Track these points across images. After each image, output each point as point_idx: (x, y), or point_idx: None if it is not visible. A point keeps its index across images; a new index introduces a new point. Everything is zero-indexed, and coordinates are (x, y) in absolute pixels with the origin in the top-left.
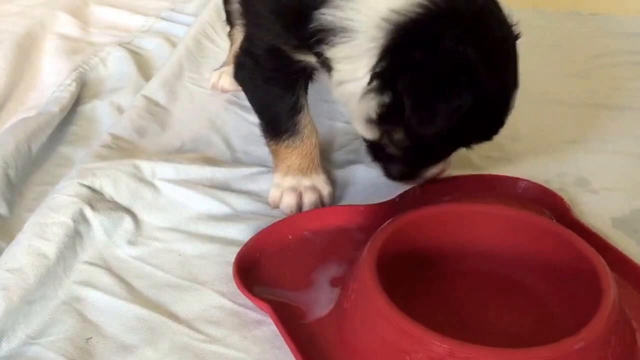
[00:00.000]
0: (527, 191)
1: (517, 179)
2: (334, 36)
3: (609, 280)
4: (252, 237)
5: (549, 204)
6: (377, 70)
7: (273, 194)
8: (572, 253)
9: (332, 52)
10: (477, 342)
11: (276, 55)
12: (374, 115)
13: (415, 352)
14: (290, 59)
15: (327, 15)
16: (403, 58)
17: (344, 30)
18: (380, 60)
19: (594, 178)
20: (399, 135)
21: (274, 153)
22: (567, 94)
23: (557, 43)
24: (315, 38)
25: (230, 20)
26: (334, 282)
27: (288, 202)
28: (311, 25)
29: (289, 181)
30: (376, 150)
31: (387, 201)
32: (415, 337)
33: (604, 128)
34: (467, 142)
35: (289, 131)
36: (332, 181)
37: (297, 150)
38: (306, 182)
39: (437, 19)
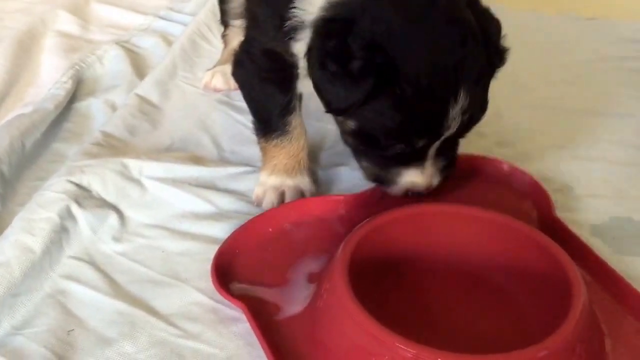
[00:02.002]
0: (514, 178)
1: (505, 164)
2: (297, 32)
3: (580, 288)
4: (232, 233)
5: (533, 197)
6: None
7: (257, 192)
8: (546, 257)
9: (296, 48)
10: (446, 343)
11: (272, 57)
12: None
13: (382, 355)
14: (284, 61)
15: (295, 11)
16: (319, 39)
17: (302, 25)
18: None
19: (578, 185)
20: (338, 118)
21: (263, 150)
22: (557, 99)
23: (550, 47)
24: (288, 37)
25: (224, 20)
26: (311, 278)
27: (270, 200)
28: (286, 24)
29: (273, 180)
30: (351, 148)
31: (367, 190)
32: (381, 341)
33: (592, 134)
34: (409, 139)
35: (278, 130)
36: (316, 182)
37: (285, 150)
38: (290, 182)
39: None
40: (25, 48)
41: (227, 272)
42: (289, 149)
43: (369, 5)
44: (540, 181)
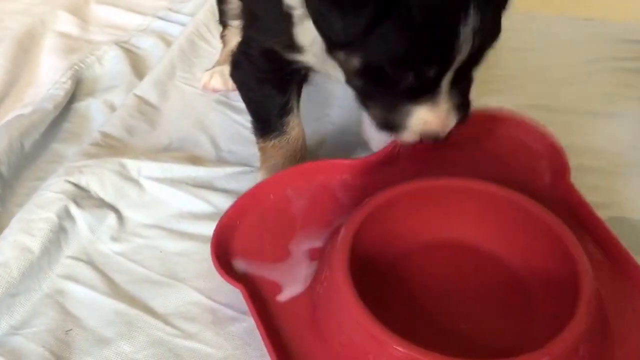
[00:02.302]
0: (531, 137)
1: (524, 120)
2: (293, 14)
3: (588, 289)
4: (233, 204)
5: (549, 159)
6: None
7: None
8: (558, 247)
9: (300, 32)
10: (447, 344)
11: (270, 57)
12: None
13: (379, 354)
14: (283, 60)
15: None
16: None
17: (293, 5)
18: None
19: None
20: (341, 57)
21: (261, 151)
22: (552, 99)
23: (546, 47)
24: (291, 22)
25: (223, 20)
26: (312, 255)
27: None
28: (284, 6)
29: None
30: (358, 94)
31: (371, 156)
32: (378, 340)
33: (587, 134)
34: (419, 66)
35: (276, 131)
36: None
37: (283, 151)
38: None
39: None
40: (25, 48)
41: (227, 247)
42: (286, 149)
43: None
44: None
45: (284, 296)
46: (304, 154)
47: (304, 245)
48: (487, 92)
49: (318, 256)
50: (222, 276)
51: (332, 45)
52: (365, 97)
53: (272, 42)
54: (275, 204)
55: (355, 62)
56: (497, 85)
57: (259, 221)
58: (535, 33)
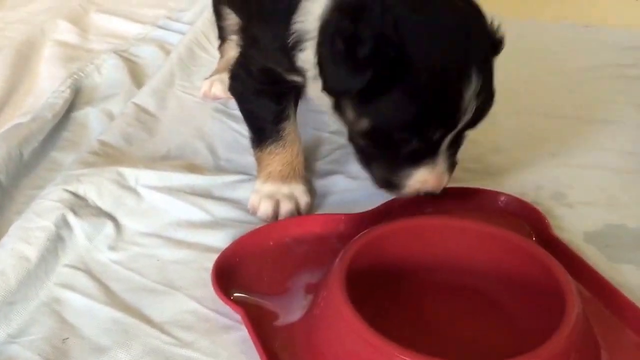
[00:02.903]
0: (509, 205)
1: (499, 193)
2: (301, 43)
3: (573, 299)
4: (235, 241)
5: (529, 219)
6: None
7: (252, 200)
8: (541, 269)
9: (302, 59)
10: (443, 354)
11: (269, 74)
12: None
13: None
14: (282, 78)
15: (296, 25)
16: (336, 15)
17: (305, 34)
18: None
19: (571, 192)
20: (351, 116)
21: (258, 160)
22: (552, 106)
23: (546, 54)
24: (293, 51)
25: (222, 36)
26: (308, 289)
27: (265, 209)
28: (289, 40)
29: (268, 187)
30: (359, 153)
31: (368, 211)
32: (377, 348)
33: (586, 141)
34: (425, 130)
35: (272, 137)
36: (312, 191)
37: (279, 157)
38: (285, 189)
39: None
40: (25, 57)
41: (227, 277)
42: (283, 155)
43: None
44: (530, 194)
45: (280, 322)
46: (300, 161)
47: (300, 281)
48: None
49: (314, 289)
50: (222, 300)
51: (326, 89)
52: (367, 157)
53: (272, 64)
54: (275, 249)
55: (365, 123)
56: (497, 93)
57: (259, 261)
58: (536, 40)
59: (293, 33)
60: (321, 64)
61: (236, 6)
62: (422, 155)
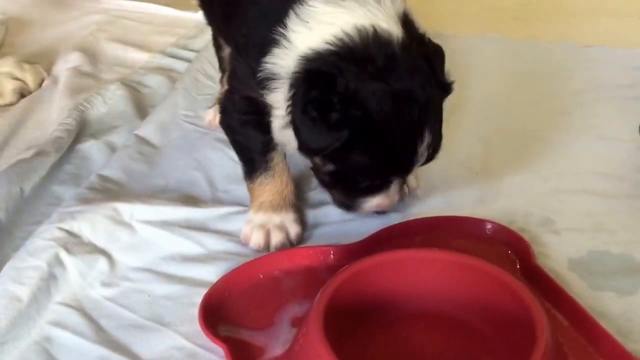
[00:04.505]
0: (495, 233)
1: (486, 221)
2: (270, 83)
3: (543, 332)
4: (223, 276)
5: (515, 247)
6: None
7: (244, 231)
8: (515, 300)
9: (271, 98)
10: None
11: (251, 102)
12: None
13: None
14: (263, 105)
15: (266, 65)
16: (304, 86)
17: (278, 76)
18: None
19: (559, 218)
20: (316, 160)
21: (250, 191)
22: (546, 129)
23: (545, 75)
24: (262, 87)
25: (222, 67)
26: (294, 322)
27: (256, 239)
28: (258, 76)
29: (260, 217)
30: (321, 182)
31: (357, 242)
32: None
33: (577, 165)
34: (383, 176)
35: (261, 168)
36: (303, 220)
37: (269, 187)
38: (276, 219)
39: (344, 57)
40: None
41: (215, 313)
42: (272, 185)
43: (340, 64)
44: (519, 221)
45: (265, 357)
46: (291, 190)
47: (288, 314)
48: (482, 118)
49: (298, 323)
50: (206, 335)
51: (302, 149)
52: (328, 185)
53: (253, 94)
54: (264, 282)
55: (330, 166)
56: (491, 115)
57: (247, 294)
58: (535, 60)
59: (262, 71)
60: (296, 128)
61: (224, 37)
62: (378, 188)
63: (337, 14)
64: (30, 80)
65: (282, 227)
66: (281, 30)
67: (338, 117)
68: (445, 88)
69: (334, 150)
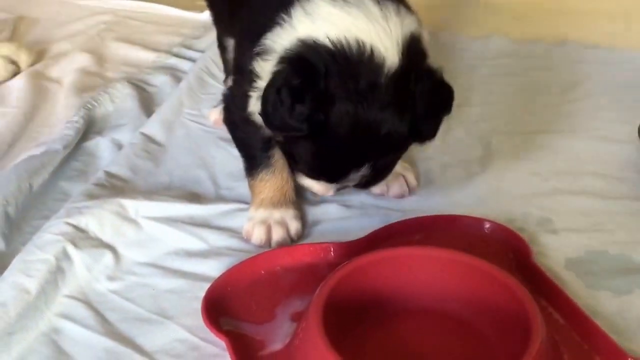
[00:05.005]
0: (493, 232)
1: (484, 220)
2: (265, 54)
3: (538, 327)
4: (227, 271)
5: (512, 246)
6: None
7: (246, 227)
8: (512, 297)
9: (260, 66)
10: None
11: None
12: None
13: None
14: None
15: (267, 40)
16: (289, 70)
17: (272, 49)
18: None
19: (557, 218)
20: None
21: (251, 188)
22: (545, 130)
23: (546, 76)
24: (257, 57)
25: (227, 69)
26: (294, 317)
27: (258, 235)
28: (255, 50)
29: (261, 213)
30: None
31: (356, 240)
32: None
33: (578, 166)
34: (315, 175)
35: (262, 165)
36: (302, 217)
37: (270, 184)
38: (276, 215)
39: (337, 61)
40: (44, 88)
41: (217, 307)
42: (273, 181)
43: (331, 66)
44: (518, 220)
45: (266, 351)
46: (291, 186)
47: (288, 308)
48: (480, 119)
49: (298, 318)
50: (209, 328)
51: (261, 116)
52: (282, 149)
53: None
54: (266, 278)
55: (281, 139)
56: (494, 112)
57: (249, 289)
58: (539, 60)
59: (262, 44)
60: (265, 100)
61: (229, 31)
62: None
63: (344, 19)
64: (23, 59)
65: (282, 223)
66: (285, 16)
67: (303, 113)
68: (418, 133)
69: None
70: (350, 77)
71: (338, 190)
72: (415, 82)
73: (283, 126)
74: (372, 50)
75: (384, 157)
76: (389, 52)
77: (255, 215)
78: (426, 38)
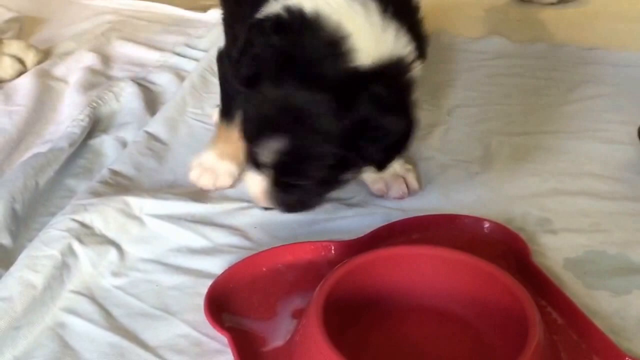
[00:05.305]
0: (492, 231)
1: (483, 220)
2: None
3: (535, 326)
4: (228, 269)
5: (511, 246)
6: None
7: (194, 173)
8: (510, 296)
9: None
10: None
11: None
12: None
13: None
14: None
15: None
16: (259, 28)
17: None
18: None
19: (556, 218)
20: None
21: (217, 132)
22: (545, 131)
23: (546, 77)
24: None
25: None
26: (295, 314)
27: (206, 181)
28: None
29: (209, 160)
30: None
31: (357, 238)
32: None
33: (577, 167)
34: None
35: (229, 116)
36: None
37: (234, 135)
38: (222, 166)
39: (311, 34)
40: (49, 86)
41: (219, 303)
42: (236, 134)
43: (301, 38)
44: (517, 220)
45: (267, 348)
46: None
47: (290, 306)
48: (480, 121)
49: (299, 315)
50: (211, 324)
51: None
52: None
53: None
54: (267, 274)
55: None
56: (494, 112)
57: (250, 286)
58: (536, 61)
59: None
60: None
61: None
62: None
63: (340, 5)
64: (30, 58)
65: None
66: None
67: (243, 71)
68: (354, 146)
69: None
70: (312, 56)
71: (271, 200)
72: (377, 100)
73: (233, 82)
74: (346, 39)
75: (301, 140)
76: (365, 53)
77: (203, 162)
78: (418, 75)
